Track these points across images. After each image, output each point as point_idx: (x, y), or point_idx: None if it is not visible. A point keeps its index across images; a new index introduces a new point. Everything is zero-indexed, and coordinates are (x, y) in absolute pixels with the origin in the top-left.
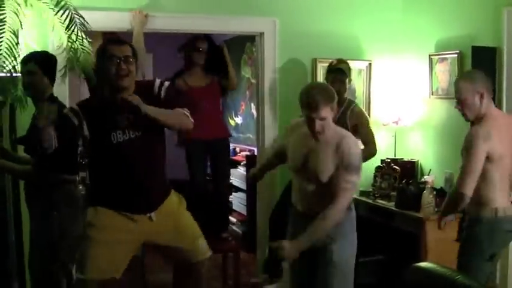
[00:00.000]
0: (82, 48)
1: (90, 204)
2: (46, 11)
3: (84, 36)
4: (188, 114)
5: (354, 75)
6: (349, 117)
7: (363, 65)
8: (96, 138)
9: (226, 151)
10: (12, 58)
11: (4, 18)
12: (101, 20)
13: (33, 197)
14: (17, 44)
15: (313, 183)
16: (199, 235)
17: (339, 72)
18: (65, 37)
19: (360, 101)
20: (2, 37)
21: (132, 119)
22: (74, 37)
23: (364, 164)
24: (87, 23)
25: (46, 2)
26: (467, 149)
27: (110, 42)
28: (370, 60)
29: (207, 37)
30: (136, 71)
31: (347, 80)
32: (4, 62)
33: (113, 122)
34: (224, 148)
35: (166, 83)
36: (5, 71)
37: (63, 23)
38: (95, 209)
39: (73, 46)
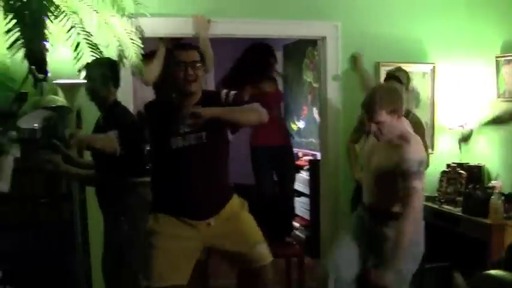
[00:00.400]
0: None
1: (151, 210)
2: (107, 17)
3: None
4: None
5: (417, 78)
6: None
7: (426, 68)
8: (156, 142)
9: (291, 156)
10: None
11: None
12: (164, 26)
13: (105, 201)
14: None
15: (374, 180)
16: (261, 240)
17: (395, 80)
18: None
19: (424, 104)
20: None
21: (194, 125)
22: (131, 42)
23: (429, 169)
24: (139, 27)
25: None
26: None
27: (177, 48)
28: (434, 63)
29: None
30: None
31: (404, 89)
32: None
33: (174, 128)
34: (289, 153)
35: (232, 93)
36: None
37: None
38: (155, 216)
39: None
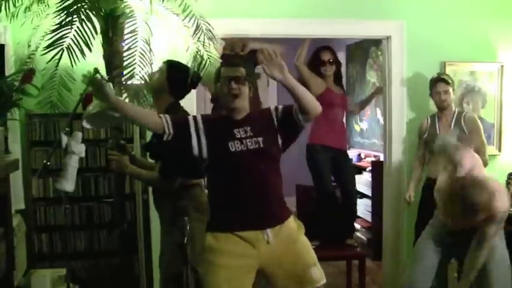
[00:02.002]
0: (208, 55)
1: (208, 229)
2: (173, 18)
3: (211, 43)
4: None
5: (484, 78)
6: (464, 123)
7: (494, 67)
8: (214, 147)
9: (350, 160)
10: (144, 65)
11: (136, 28)
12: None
13: (161, 202)
14: (150, 51)
15: None
16: (314, 263)
17: (442, 82)
18: (191, 43)
19: (491, 105)
20: (136, 46)
21: (251, 130)
22: (200, 44)
23: (496, 170)
24: (213, 28)
25: (172, 10)
26: None
27: (224, 64)
28: (502, 63)
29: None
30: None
31: (451, 90)
32: (136, 69)
33: (231, 134)
34: (347, 158)
35: (281, 107)
36: (137, 77)
37: (189, 30)
38: (212, 234)
39: (199, 53)
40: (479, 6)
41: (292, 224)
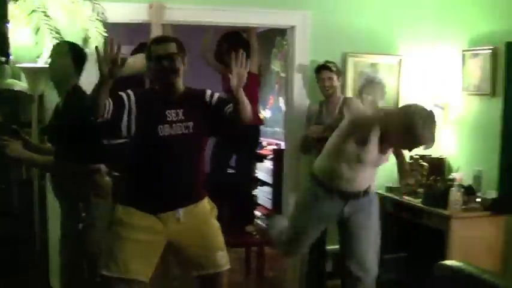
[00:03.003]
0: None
1: (121, 201)
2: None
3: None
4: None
5: (384, 70)
6: (345, 111)
7: (393, 60)
8: (143, 129)
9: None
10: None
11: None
12: (118, 12)
13: (59, 188)
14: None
15: None
16: (222, 247)
17: (325, 68)
18: (88, 26)
19: (390, 96)
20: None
21: (183, 114)
22: (93, 27)
23: (391, 160)
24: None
25: None
26: None
27: (154, 42)
28: (401, 56)
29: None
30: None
31: (335, 77)
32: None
33: (162, 116)
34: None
35: (217, 94)
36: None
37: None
38: (124, 207)
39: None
40: (382, 0)
41: (206, 205)
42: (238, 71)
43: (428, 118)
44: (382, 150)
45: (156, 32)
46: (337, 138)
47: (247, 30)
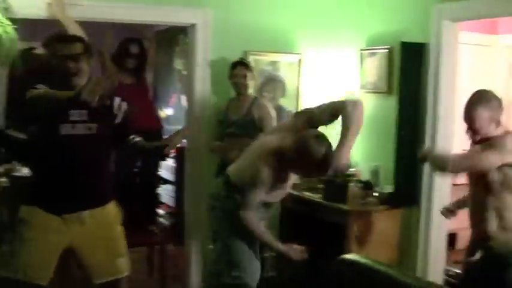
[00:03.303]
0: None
1: (25, 201)
2: None
3: (8, 22)
4: None
5: (284, 68)
6: (255, 110)
7: (293, 58)
8: (45, 127)
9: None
10: None
11: None
12: (19, 7)
13: None
14: None
15: None
16: (124, 253)
17: (242, 65)
18: None
19: (290, 94)
20: None
21: (87, 115)
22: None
23: None
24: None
25: None
26: (492, 147)
27: (59, 40)
28: (301, 54)
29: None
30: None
31: (250, 75)
32: None
33: (64, 115)
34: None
35: (125, 104)
36: None
37: None
38: (28, 207)
39: None
40: (282, 0)
41: (112, 209)
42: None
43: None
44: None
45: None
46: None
47: (148, 38)
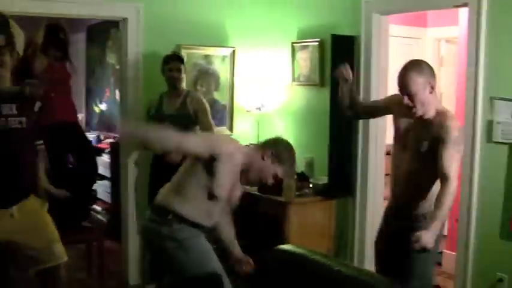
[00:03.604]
0: None
1: None
2: None
3: None
4: None
5: (217, 62)
6: (190, 103)
7: (226, 51)
8: None
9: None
10: None
11: None
12: None
13: None
14: None
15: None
16: (57, 239)
17: (175, 59)
18: None
19: (224, 87)
20: None
21: (16, 109)
22: None
23: None
24: None
25: None
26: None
27: None
28: (234, 47)
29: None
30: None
31: (183, 69)
32: None
33: None
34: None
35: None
36: None
37: None
38: None
39: None
40: None
41: (35, 198)
42: None
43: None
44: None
45: None
46: None
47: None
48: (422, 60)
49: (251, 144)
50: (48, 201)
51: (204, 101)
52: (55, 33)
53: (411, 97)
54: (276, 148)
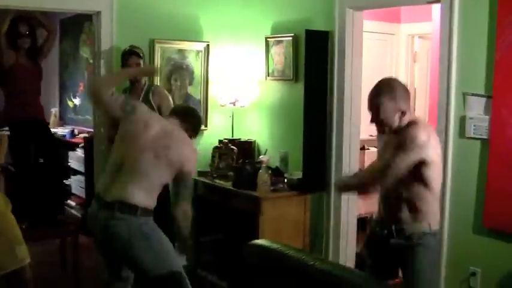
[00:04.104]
0: None
1: None
2: None
3: None
4: None
5: (191, 56)
6: (152, 96)
7: (201, 46)
8: None
9: (49, 131)
10: None
11: None
12: None
13: None
14: None
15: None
16: (21, 241)
17: (135, 55)
18: None
19: (198, 82)
20: None
21: None
22: None
23: (202, 145)
24: None
25: None
26: (404, 148)
27: None
28: (208, 42)
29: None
30: None
31: (142, 64)
32: None
33: None
34: (46, 128)
35: None
36: None
37: None
38: None
39: None
40: None
41: (1, 199)
42: None
43: None
44: None
45: None
46: None
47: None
48: (395, 81)
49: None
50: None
51: (167, 94)
52: (18, 26)
53: (380, 122)
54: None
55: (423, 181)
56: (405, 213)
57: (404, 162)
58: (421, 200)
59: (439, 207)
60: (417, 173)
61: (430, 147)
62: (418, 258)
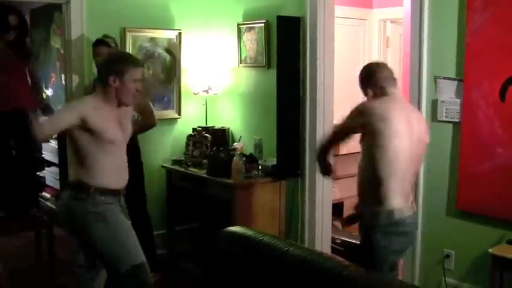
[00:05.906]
0: None
1: None
2: None
3: None
4: None
5: (164, 45)
6: None
7: (172, 34)
8: None
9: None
10: None
11: None
12: None
13: None
14: None
15: None
16: None
17: (103, 43)
18: None
19: (171, 70)
20: None
21: None
22: None
23: (176, 133)
24: None
25: None
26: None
27: None
28: (180, 30)
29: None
30: None
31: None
32: None
33: None
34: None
35: None
36: None
37: None
38: None
39: None
40: None
41: None
42: None
43: None
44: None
45: None
46: None
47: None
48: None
49: None
50: None
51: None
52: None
53: None
54: (111, 69)
55: (375, 160)
56: (362, 194)
57: (346, 122)
58: (372, 180)
59: (402, 188)
60: (370, 150)
61: (376, 116)
62: (369, 238)
